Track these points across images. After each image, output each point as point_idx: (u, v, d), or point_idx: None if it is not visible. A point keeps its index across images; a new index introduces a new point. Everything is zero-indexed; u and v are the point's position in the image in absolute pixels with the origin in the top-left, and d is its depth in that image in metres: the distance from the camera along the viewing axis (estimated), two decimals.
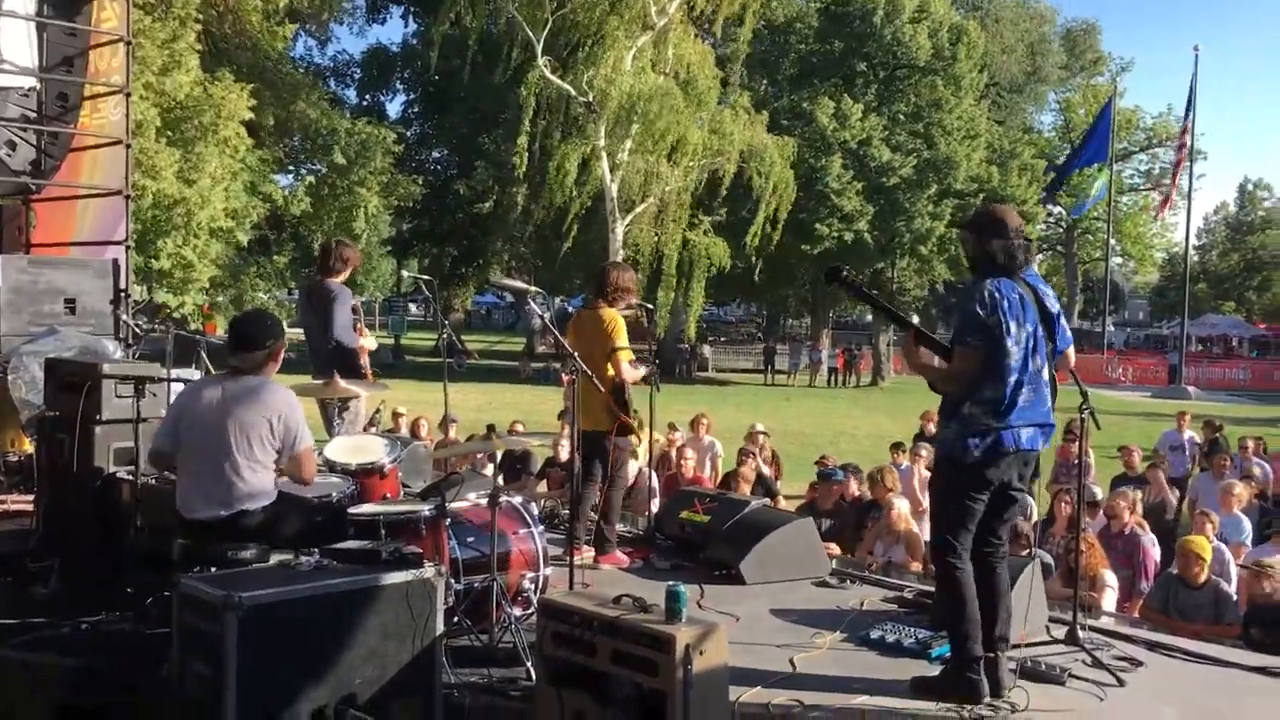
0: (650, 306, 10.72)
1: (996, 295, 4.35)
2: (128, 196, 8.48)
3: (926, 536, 6.99)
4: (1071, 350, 4.72)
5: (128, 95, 8.57)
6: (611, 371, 6.50)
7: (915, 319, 4.88)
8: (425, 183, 36.07)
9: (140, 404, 5.21)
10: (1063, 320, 4.61)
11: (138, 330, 7.66)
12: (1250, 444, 12.11)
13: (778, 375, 39.56)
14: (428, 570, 4.13)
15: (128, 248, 8.39)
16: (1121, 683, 4.64)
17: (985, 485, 4.42)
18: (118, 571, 5.29)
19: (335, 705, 3.79)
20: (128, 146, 8.56)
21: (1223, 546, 7.83)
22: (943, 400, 4.53)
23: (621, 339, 6.56)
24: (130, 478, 5.34)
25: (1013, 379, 4.33)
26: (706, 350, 43.02)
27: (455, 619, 4.69)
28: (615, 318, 6.60)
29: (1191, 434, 13.34)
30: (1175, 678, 4.88)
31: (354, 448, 5.59)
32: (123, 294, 7.86)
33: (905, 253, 36.52)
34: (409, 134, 40.35)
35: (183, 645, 3.86)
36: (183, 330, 8.64)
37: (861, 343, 42.66)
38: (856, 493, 9.58)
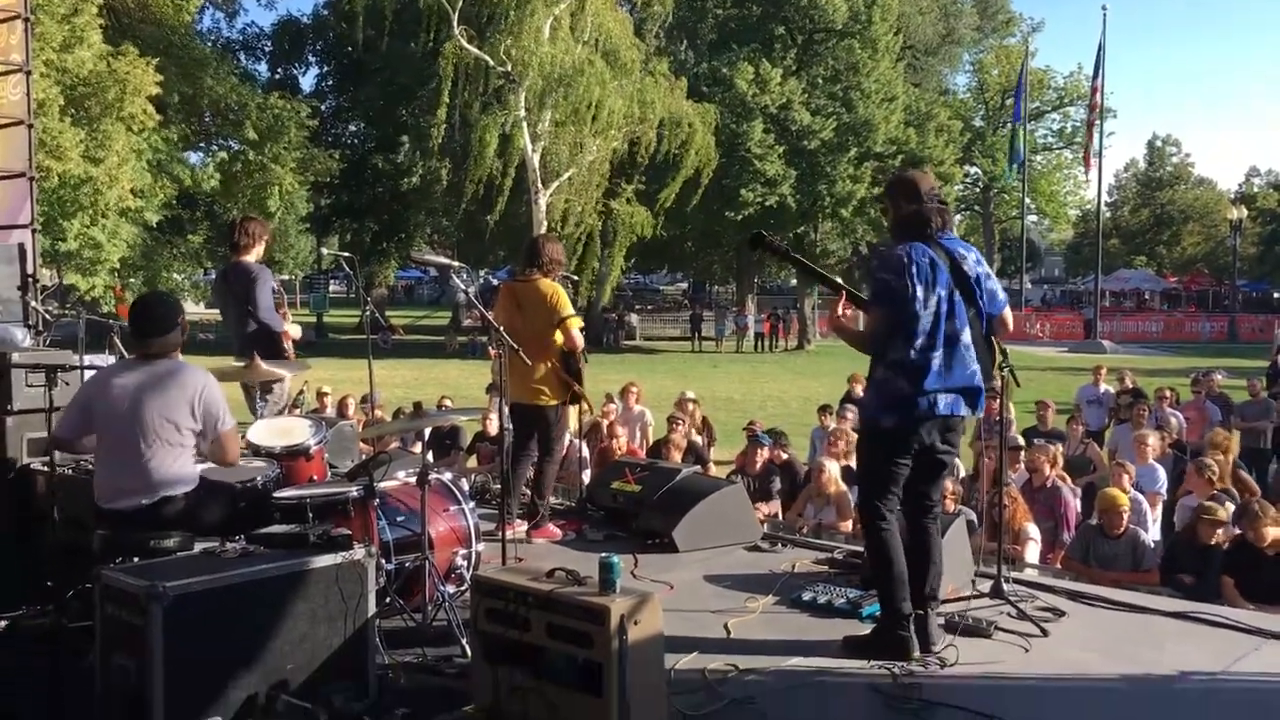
0: (574, 277, 10.71)
1: (905, 260, 4.36)
2: (32, 178, 8.18)
3: (855, 498, 7.09)
4: (1008, 313, 4.69)
5: (28, 74, 8.24)
6: (560, 340, 6.50)
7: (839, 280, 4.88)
8: (343, 157, 35.30)
9: (53, 393, 5.04)
10: (990, 283, 4.55)
11: (48, 316, 7.40)
12: (1167, 394, 12.44)
13: (705, 342, 39.83)
14: (357, 552, 4.08)
15: (34, 231, 8.08)
16: (1045, 633, 4.77)
17: (905, 451, 4.45)
18: (36, 565, 5.15)
19: (267, 693, 3.73)
20: (30, 126, 8.25)
21: (1140, 496, 8.05)
22: (869, 364, 4.57)
23: (568, 308, 6.58)
24: (45, 469, 5.19)
25: (920, 342, 4.34)
26: (634, 319, 43.10)
27: (387, 600, 4.64)
28: (557, 288, 6.62)
29: (1108, 388, 13.69)
30: (1096, 625, 5.02)
31: (278, 430, 5.49)
32: (31, 279, 7.59)
33: (827, 216, 36.85)
34: (324, 108, 39.51)
35: (106, 639, 3.77)
36: (95, 314, 8.34)
37: (787, 307, 43.00)
38: (786, 457, 9.71)
